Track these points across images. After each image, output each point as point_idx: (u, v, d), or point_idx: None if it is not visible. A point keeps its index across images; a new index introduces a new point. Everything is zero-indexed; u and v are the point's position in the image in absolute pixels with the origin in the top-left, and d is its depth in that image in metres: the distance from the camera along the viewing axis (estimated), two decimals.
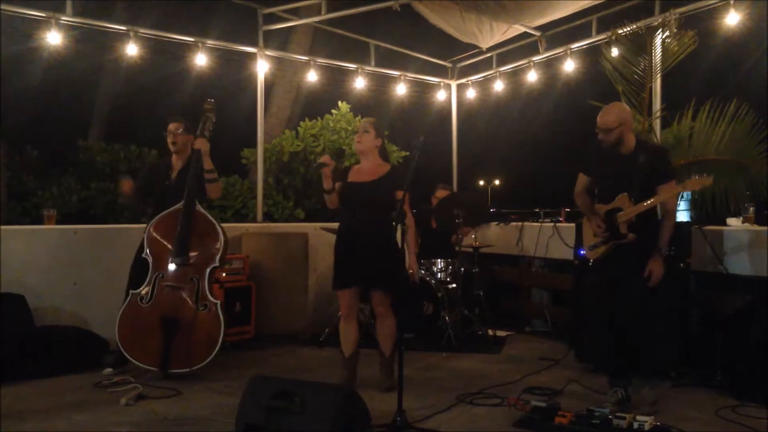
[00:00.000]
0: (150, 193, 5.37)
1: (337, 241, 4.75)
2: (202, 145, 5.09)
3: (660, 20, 5.96)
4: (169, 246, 4.96)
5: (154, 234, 5.02)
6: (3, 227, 5.65)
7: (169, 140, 5.30)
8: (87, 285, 5.76)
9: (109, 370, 5.00)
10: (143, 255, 5.00)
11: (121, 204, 8.91)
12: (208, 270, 4.95)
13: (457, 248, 6.33)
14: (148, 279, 4.93)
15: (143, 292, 4.91)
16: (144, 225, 5.16)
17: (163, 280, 4.93)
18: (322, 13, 7.40)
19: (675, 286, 4.77)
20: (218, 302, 4.90)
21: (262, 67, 7.36)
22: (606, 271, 4.37)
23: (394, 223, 4.12)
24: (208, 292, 4.91)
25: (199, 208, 5.03)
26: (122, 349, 4.87)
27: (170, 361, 4.80)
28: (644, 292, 4.15)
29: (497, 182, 39.44)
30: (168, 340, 4.81)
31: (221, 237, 4.99)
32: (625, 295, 4.21)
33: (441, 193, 6.82)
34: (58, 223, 6.17)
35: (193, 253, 4.97)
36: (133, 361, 4.86)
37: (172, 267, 4.94)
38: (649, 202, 4.11)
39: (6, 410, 4.08)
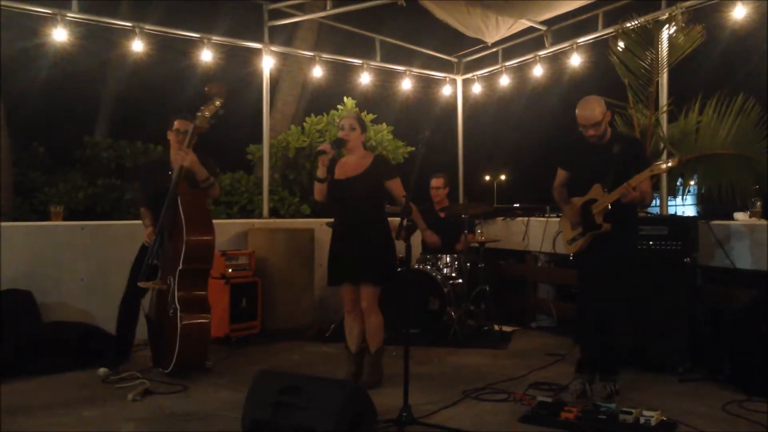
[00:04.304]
0: (155, 196, 4.99)
1: (331, 236, 4.78)
2: (184, 159, 4.76)
3: (667, 14, 5.94)
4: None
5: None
6: (11, 224, 5.68)
7: (176, 139, 4.96)
8: (94, 281, 5.79)
9: (104, 370, 4.87)
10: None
11: (127, 200, 8.93)
12: (177, 272, 4.76)
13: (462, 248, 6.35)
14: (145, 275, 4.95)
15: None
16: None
17: (159, 278, 4.92)
18: (327, 8, 7.39)
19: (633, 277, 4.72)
20: (178, 307, 4.68)
21: (267, 63, 7.36)
22: (584, 265, 4.40)
23: (403, 220, 4.07)
24: (175, 295, 4.74)
25: (179, 206, 4.77)
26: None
27: (158, 359, 4.89)
28: (615, 286, 4.22)
29: (503, 177, 39.44)
30: (153, 338, 4.94)
31: (184, 237, 4.72)
32: (601, 287, 4.25)
33: (435, 182, 6.77)
34: (64, 219, 6.20)
35: (167, 254, 4.86)
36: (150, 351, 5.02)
37: (157, 266, 4.89)
38: (616, 194, 4.10)
39: (13, 406, 4.11)
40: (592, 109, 4.19)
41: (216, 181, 5.04)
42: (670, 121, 6.19)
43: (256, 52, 7.38)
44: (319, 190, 4.67)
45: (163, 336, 4.82)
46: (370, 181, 4.56)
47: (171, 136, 5.07)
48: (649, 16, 6.07)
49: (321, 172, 4.58)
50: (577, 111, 4.25)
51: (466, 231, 6.30)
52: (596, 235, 4.24)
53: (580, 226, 4.34)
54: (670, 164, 4.17)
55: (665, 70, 5.94)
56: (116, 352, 5.04)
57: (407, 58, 8.51)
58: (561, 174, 4.54)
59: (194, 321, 4.78)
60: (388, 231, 4.61)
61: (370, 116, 8.85)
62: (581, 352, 4.56)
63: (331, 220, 4.98)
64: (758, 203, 5.31)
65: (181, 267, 4.75)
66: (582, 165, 4.39)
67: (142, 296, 5.03)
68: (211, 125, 4.90)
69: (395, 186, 4.57)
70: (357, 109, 8.77)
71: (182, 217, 4.77)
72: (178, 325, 4.68)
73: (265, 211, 7.47)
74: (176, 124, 5.02)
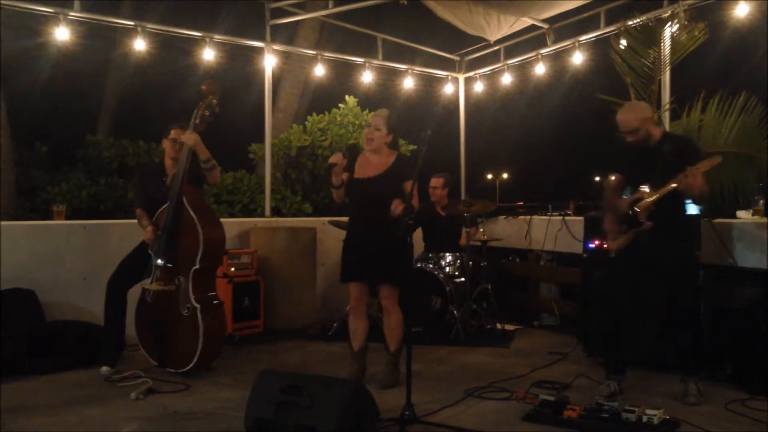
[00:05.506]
0: (150, 202, 5.05)
1: (346, 234, 4.77)
2: (189, 139, 4.76)
3: (669, 12, 5.93)
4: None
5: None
6: (13, 223, 5.68)
7: (172, 148, 5.04)
8: (97, 280, 5.75)
9: (106, 368, 4.90)
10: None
11: (130, 199, 8.95)
12: (191, 272, 4.77)
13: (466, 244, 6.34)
14: (151, 276, 4.94)
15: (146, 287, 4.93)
16: None
17: (158, 279, 4.89)
18: (329, 7, 7.41)
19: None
20: (198, 306, 4.70)
21: (269, 62, 7.36)
22: (626, 262, 4.39)
23: (407, 221, 4.06)
24: (191, 295, 4.75)
25: (186, 206, 4.77)
26: (138, 339, 5.00)
27: (165, 360, 4.86)
28: (671, 281, 4.26)
29: (505, 176, 39.37)
30: (160, 339, 4.87)
31: (201, 237, 4.71)
32: (651, 284, 4.28)
33: (435, 182, 6.70)
34: (67, 218, 6.20)
35: (177, 254, 4.82)
36: (143, 351, 4.98)
37: (158, 267, 4.85)
38: (667, 188, 4.09)
39: (17, 405, 4.12)
40: (627, 114, 4.29)
41: (217, 167, 5.01)
42: (672, 119, 6.17)
43: (258, 51, 7.38)
44: (336, 195, 4.70)
45: (173, 336, 4.81)
46: (390, 181, 4.52)
47: (166, 145, 5.11)
48: (651, 14, 6.06)
49: (335, 180, 4.56)
50: (617, 116, 4.33)
51: (468, 227, 6.28)
52: (638, 232, 4.26)
53: (624, 224, 4.36)
54: (713, 162, 4.09)
55: (667, 68, 5.93)
56: (114, 348, 5.04)
57: (409, 56, 8.50)
58: (616, 178, 4.55)
59: (214, 319, 4.83)
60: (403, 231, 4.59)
61: (371, 115, 8.83)
62: (595, 351, 4.54)
63: (334, 218, 4.99)
64: (761, 201, 5.29)
65: (197, 266, 4.76)
66: (632, 167, 4.43)
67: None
68: (209, 123, 4.90)
69: (407, 186, 4.49)
70: (358, 108, 8.76)
71: (194, 216, 4.75)
72: (200, 325, 4.68)
73: (267, 210, 7.47)
74: (173, 133, 5.05)
